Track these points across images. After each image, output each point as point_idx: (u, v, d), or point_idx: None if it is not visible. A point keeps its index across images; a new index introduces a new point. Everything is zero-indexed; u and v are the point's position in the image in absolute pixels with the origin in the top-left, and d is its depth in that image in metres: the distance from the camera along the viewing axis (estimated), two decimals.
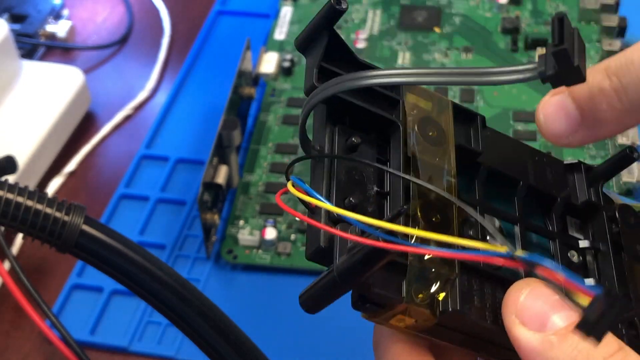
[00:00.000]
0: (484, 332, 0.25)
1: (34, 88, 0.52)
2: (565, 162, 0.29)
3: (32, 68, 0.53)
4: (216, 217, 0.44)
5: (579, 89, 0.26)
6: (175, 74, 0.56)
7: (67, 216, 0.26)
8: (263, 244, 0.44)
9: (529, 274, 0.24)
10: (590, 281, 0.27)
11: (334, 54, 0.26)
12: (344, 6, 0.25)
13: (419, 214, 0.25)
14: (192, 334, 0.28)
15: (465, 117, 0.28)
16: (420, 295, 0.24)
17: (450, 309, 0.24)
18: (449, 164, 0.26)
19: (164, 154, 0.50)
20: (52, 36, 0.58)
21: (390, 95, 0.27)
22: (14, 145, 0.47)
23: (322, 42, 0.26)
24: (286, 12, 0.57)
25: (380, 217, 0.24)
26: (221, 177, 0.44)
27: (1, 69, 0.51)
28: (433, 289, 0.24)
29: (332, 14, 0.25)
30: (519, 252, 0.22)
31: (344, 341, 0.41)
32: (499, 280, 0.25)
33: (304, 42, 0.26)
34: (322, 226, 0.24)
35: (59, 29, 0.58)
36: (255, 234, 0.44)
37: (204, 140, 0.50)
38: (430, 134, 0.27)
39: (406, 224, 0.24)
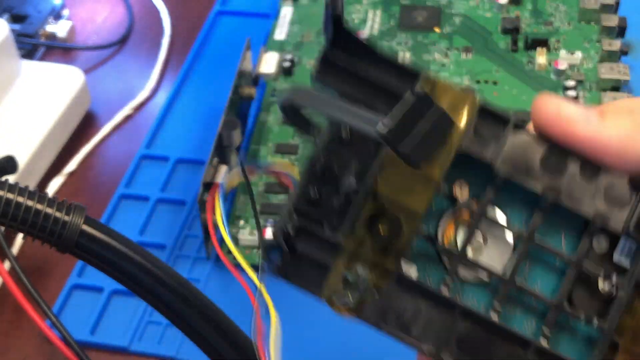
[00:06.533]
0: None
1: (34, 88, 0.52)
2: (631, 178, 0.25)
3: (33, 68, 0.53)
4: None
5: None
6: (175, 74, 0.56)
7: (67, 216, 0.26)
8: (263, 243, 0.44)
9: None
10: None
11: (345, 48, 0.26)
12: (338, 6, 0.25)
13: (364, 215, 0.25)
14: (193, 334, 0.28)
15: (495, 119, 0.26)
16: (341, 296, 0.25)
17: (363, 317, 0.25)
18: (438, 171, 0.25)
19: (164, 154, 0.50)
20: (52, 36, 0.58)
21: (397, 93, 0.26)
22: (14, 145, 0.47)
23: (329, 34, 0.26)
24: (286, 12, 0.57)
25: (341, 214, 0.25)
26: (221, 177, 0.44)
27: (1, 69, 0.51)
28: (352, 294, 0.25)
29: (331, 16, 0.25)
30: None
31: (345, 341, 0.41)
32: (439, 301, 0.25)
33: (323, 31, 0.26)
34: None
35: (59, 29, 0.58)
36: (256, 234, 0.44)
37: (204, 141, 0.51)
38: None
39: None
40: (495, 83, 0.51)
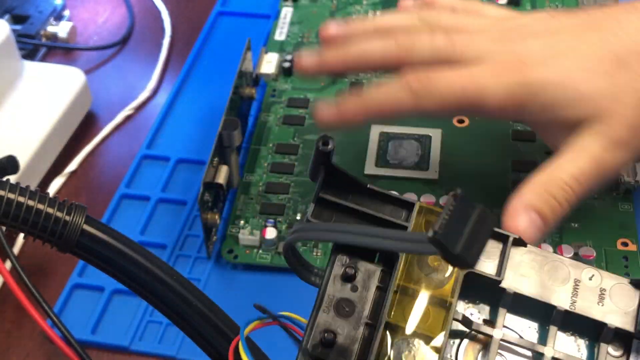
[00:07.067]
0: None
1: (35, 88, 0.52)
2: (632, 280, 0.26)
3: (34, 69, 0.53)
4: (217, 217, 0.44)
5: None
6: (176, 75, 0.56)
7: (68, 216, 0.26)
8: (263, 243, 0.44)
9: None
10: None
11: (338, 185, 0.27)
12: (329, 147, 0.26)
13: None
14: (193, 334, 0.29)
15: (495, 236, 0.27)
16: None
17: None
18: (450, 295, 0.25)
19: (165, 154, 0.50)
20: (53, 37, 0.58)
21: (397, 223, 0.26)
22: (15, 145, 0.48)
23: (321, 177, 0.27)
24: (286, 12, 0.57)
25: (361, 352, 0.25)
26: (222, 177, 0.44)
27: (3, 70, 0.51)
28: None
29: (322, 155, 0.26)
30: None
31: None
32: None
33: (311, 176, 0.27)
34: None
35: (60, 29, 0.58)
36: (256, 234, 0.44)
37: (205, 141, 0.51)
38: (436, 263, 0.26)
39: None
40: None
